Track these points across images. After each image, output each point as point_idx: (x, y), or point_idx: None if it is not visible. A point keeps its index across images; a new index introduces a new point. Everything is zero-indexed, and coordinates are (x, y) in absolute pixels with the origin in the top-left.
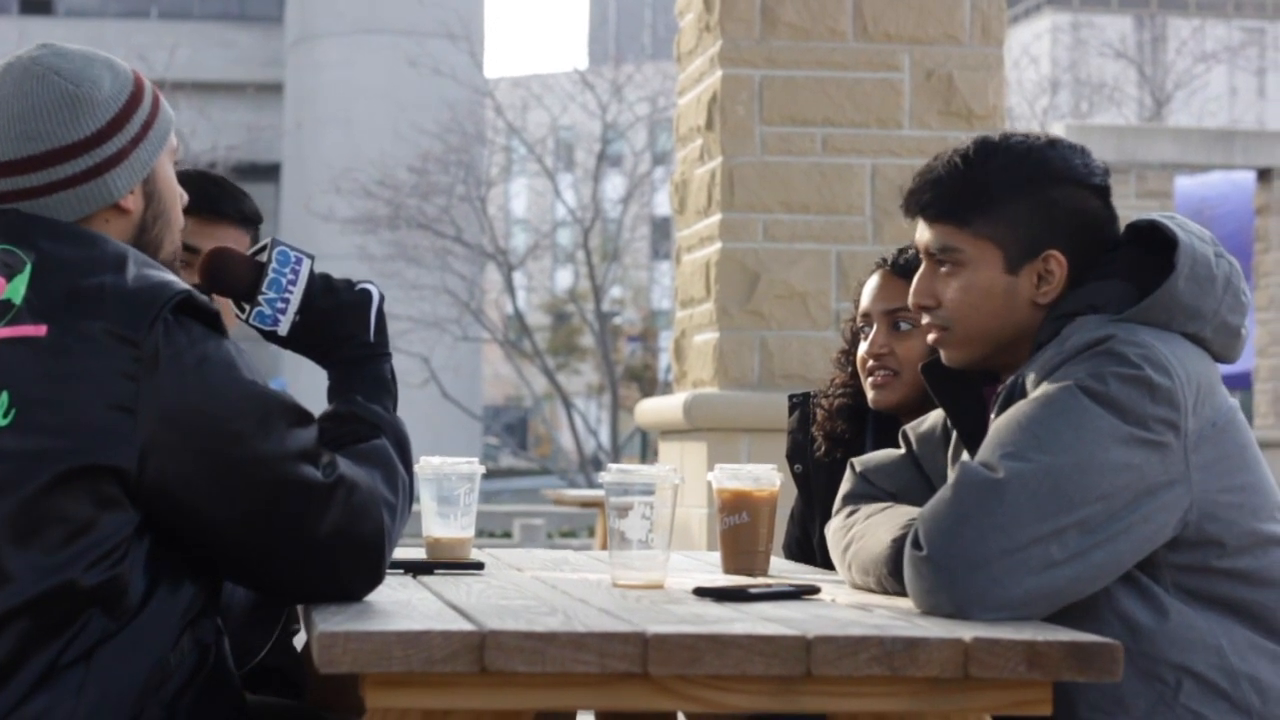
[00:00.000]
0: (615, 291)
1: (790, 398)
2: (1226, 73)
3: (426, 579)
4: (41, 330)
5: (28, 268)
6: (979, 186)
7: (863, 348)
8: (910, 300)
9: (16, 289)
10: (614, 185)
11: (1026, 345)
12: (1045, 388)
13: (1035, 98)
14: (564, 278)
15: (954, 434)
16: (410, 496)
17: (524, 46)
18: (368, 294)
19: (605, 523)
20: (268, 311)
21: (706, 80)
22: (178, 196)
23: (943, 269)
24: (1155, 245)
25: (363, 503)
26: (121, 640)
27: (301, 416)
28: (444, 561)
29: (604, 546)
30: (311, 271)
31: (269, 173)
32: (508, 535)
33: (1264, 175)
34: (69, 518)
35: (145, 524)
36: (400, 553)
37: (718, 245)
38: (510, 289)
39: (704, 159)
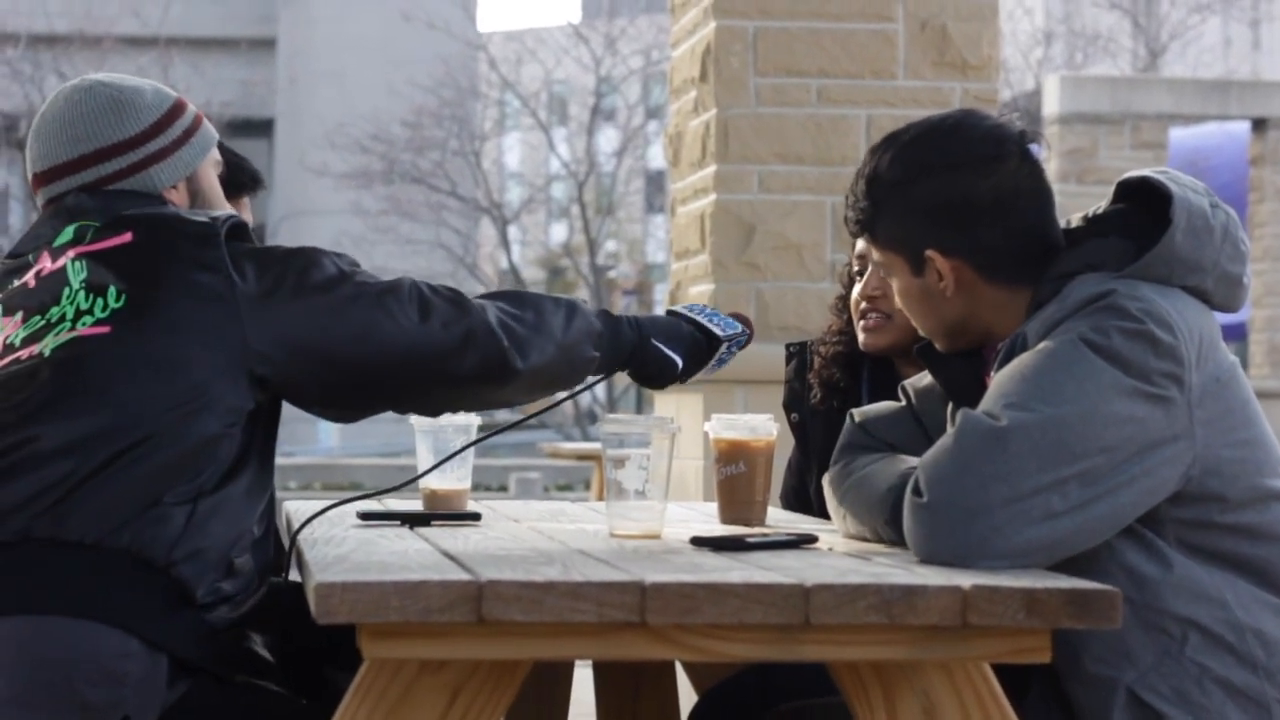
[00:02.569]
0: (610, 245)
1: (787, 347)
2: (1221, 24)
3: (424, 530)
4: (127, 237)
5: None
6: (864, 199)
7: (856, 290)
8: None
9: (87, 225)
10: (607, 139)
11: (984, 323)
12: (1048, 342)
13: (1029, 49)
14: (558, 232)
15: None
16: (555, 314)
17: (519, 1)
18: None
19: (602, 475)
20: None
21: (700, 32)
22: (224, 202)
23: (889, 277)
24: (1149, 201)
25: (450, 298)
26: (219, 498)
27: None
28: (441, 513)
29: (600, 499)
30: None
31: (263, 128)
32: (504, 489)
33: (1259, 125)
34: (193, 374)
35: (257, 404)
36: (396, 504)
37: (712, 197)
38: (505, 243)
39: (698, 111)
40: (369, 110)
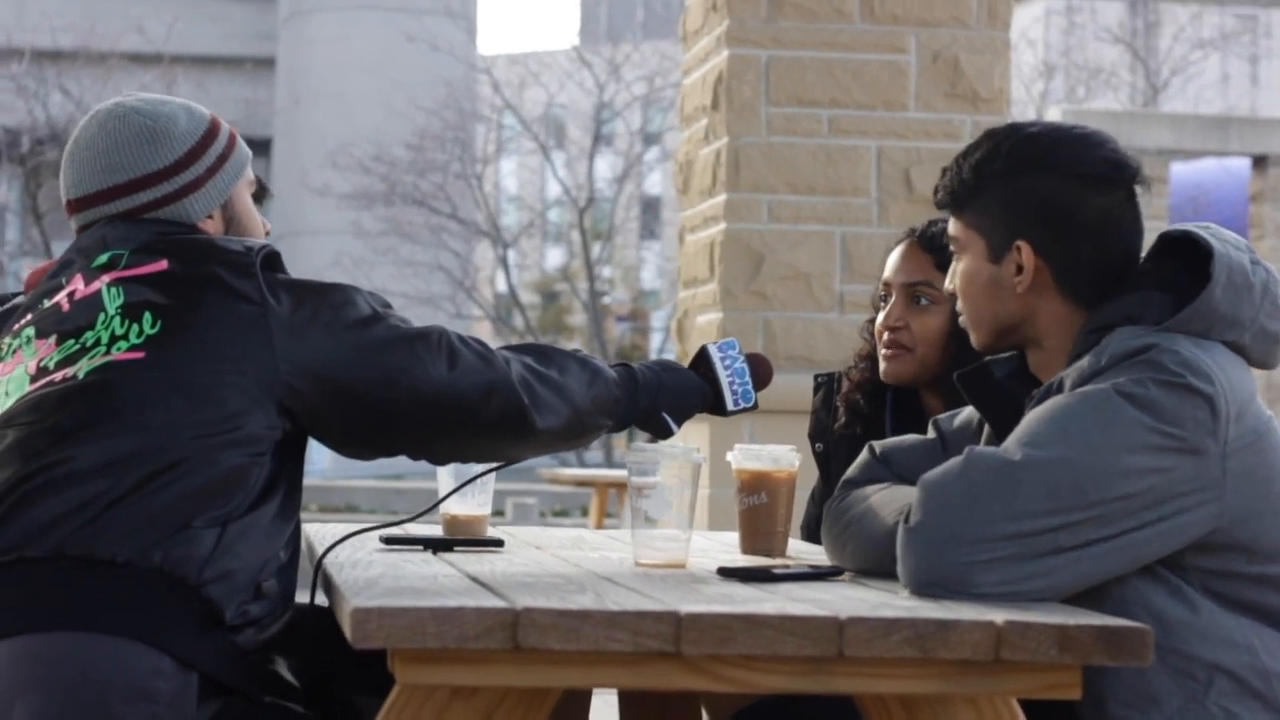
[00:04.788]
0: (604, 271)
1: (815, 377)
2: (1220, 59)
3: (447, 555)
4: (163, 264)
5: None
6: (968, 175)
7: (880, 317)
8: (946, 287)
9: (121, 251)
10: (604, 165)
11: (1035, 331)
12: (1082, 389)
13: (1031, 82)
14: (553, 256)
15: (987, 429)
16: (579, 377)
17: (518, 23)
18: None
19: (600, 502)
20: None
21: (712, 60)
22: (259, 224)
23: (953, 256)
24: (1190, 255)
25: (478, 351)
26: (247, 522)
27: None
28: (464, 539)
29: (599, 526)
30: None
31: (264, 148)
32: (500, 514)
33: (1259, 162)
34: (225, 402)
35: (285, 433)
36: (417, 528)
37: (722, 225)
38: (505, 267)
39: (709, 139)
40: (371, 131)
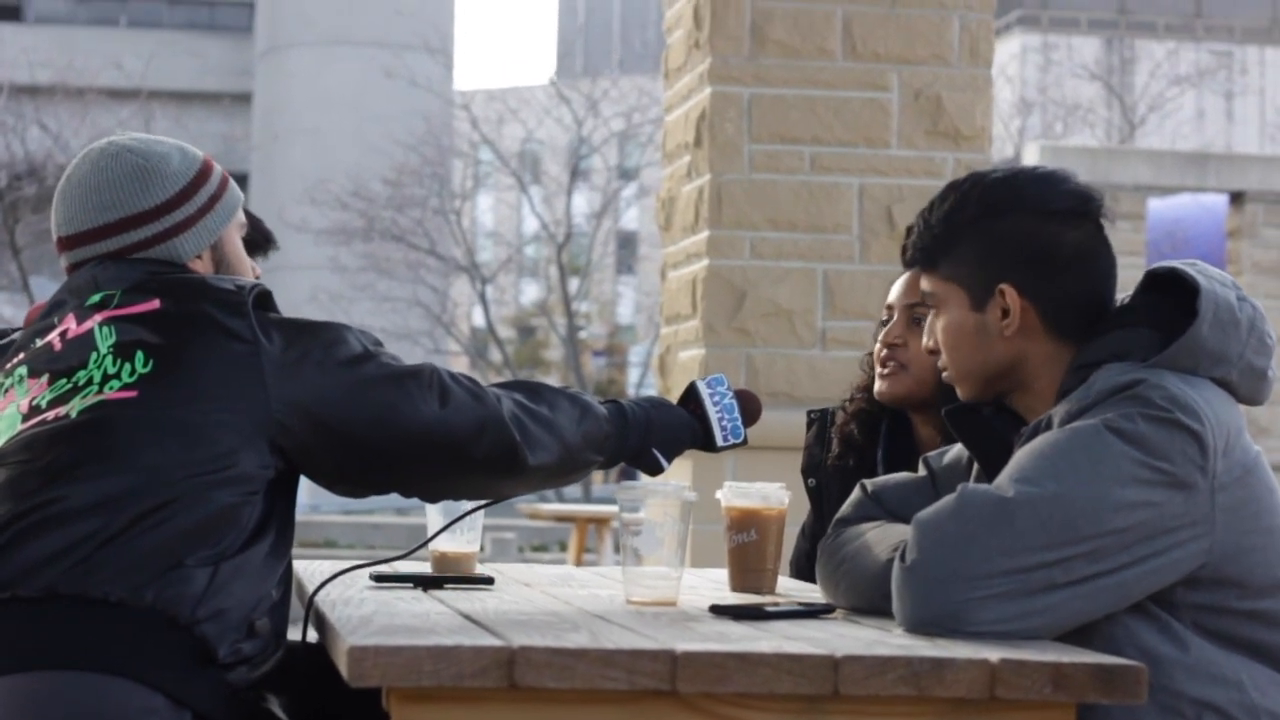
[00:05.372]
0: (581, 306)
1: (809, 413)
2: (1195, 96)
3: (438, 593)
4: (155, 304)
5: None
6: (938, 231)
7: (880, 337)
8: (924, 345)
9: (113, 292)
10: (581, 200)
11: (1024, 375)
12: (1071, 425)
13: (1009, 118)
14: (528, 291)
15: (976, 465)
16: (569, 414)
17: (495, 59)
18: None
19: (580, 538)
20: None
21: (695, 97)
22: (249, 267)
23: (931, 312)
24: (1176, 292)
25: (469, 388)
26: (240, 561)
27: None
28: (453, 576)
29: (578, 561)
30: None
31: (241, 183)
32: (479, 549)
33: (1236, 198)
34: (217, 441)
35: (278, 472)
36: (407, 567)
37: (705, 262)
38: (484, 302)
39: (691, 176)
40: (349, 166)
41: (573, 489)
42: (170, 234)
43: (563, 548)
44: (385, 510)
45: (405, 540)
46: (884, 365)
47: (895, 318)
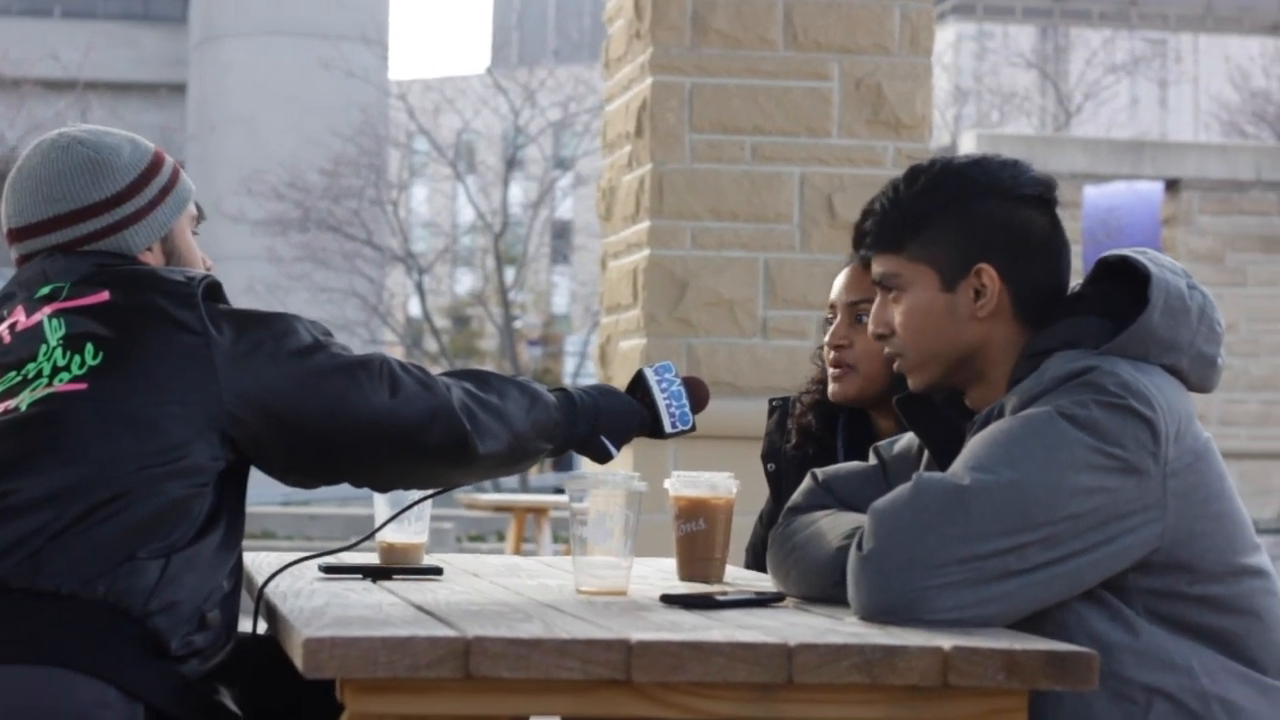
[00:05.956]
0: (515, 295)
1: (770, 401)
2: (1129, 84)
3: (387, 584)
4: (104, 295)
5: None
6: (907, 212)
7: (826, 338)
8: (869, 331)
9: (62, 284)
10: (517, 190)
11: (983, 362)
12: (1024, 412)
13: (945, 107)
14: (463, 281)
15: (927, 453)
16: (518, 402)
17: (431, 49)
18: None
19: (519, 528)
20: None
21: (636, 87)
22: (199, 258)
23: (890, 296)
24: (1127, 280)
25: (419, 378)
26: (191, 553)
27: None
28: (403, 567)
29: (516, 551)
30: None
31: None
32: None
33: (1172, 186)
34: (168, 433)
35: (229, 463)
36: (355, 557)
37: (646, 252)
38: (421, 293)
39: (632, 165)
40: (285, 157)
41: (510, 479)
42: (120, 226)
43: (500, 538)
44: (323, 501)
45: (343, 531)
46: (833, 366)
47: (839, 317)
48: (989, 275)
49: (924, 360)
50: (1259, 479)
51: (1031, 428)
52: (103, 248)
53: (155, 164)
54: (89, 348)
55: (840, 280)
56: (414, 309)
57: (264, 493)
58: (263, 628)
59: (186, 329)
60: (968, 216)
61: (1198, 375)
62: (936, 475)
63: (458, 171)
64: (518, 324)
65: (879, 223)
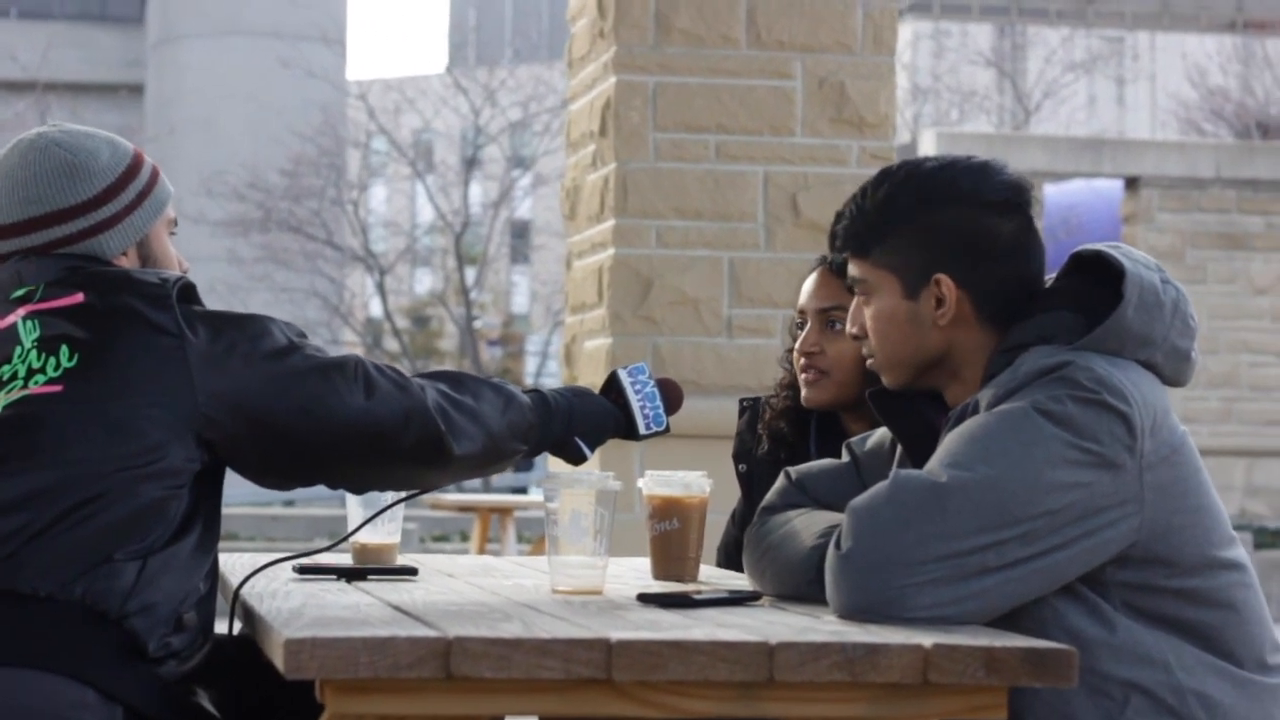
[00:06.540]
0: (475, 295)
1: (741, 401)
2: (1087, 82)
3: (362, 584)
4: (79, 297)
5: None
6: (871, 219)
7: (797, 344)
8: (847, 331)
9: (35, 286)
10: (477, 189)
11: (954, 364)
12: (1000, 407)
13: (904, 106)
14: (423, 281)
15: (900, 450)
16: (493, 403)
17: (389, 49)
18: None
19: (482, 527)
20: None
21: (600, 86)
22: (175, 262)
23: (861, 299)
24: (1101, 275)
25: (394, 379)
26: (168, 555)
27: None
28: (378, 567)
29: (481, 551)
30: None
31: None
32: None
33: (1131, 184)
34: (144, 434)
35: (204, 465)
36: (328, 558)
37: (610, 251)
38: (382, 293)
39: (596, 165)
40: (245, 157)
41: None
42: (96, 231)
43: (464, 538)
44: (286, 502)
45: (306, 532)
46: (805, 372)
47: (809, 324)
48: (947, 285)
49: (892, 364)
50: (1220, 475)
51: (1008, 424)
52: (78, 251)
53: (133, 167)
54: (64, 350)
55: (809, 286)
56: (375, 309)
57: (228, 494)
58: (238, 629)
59: (161, 331)
60: (927, 225)
61: (1172, 369)
62: (914, 473)
63: (417, 171)
64: (478, 324)
65: (846, 228)
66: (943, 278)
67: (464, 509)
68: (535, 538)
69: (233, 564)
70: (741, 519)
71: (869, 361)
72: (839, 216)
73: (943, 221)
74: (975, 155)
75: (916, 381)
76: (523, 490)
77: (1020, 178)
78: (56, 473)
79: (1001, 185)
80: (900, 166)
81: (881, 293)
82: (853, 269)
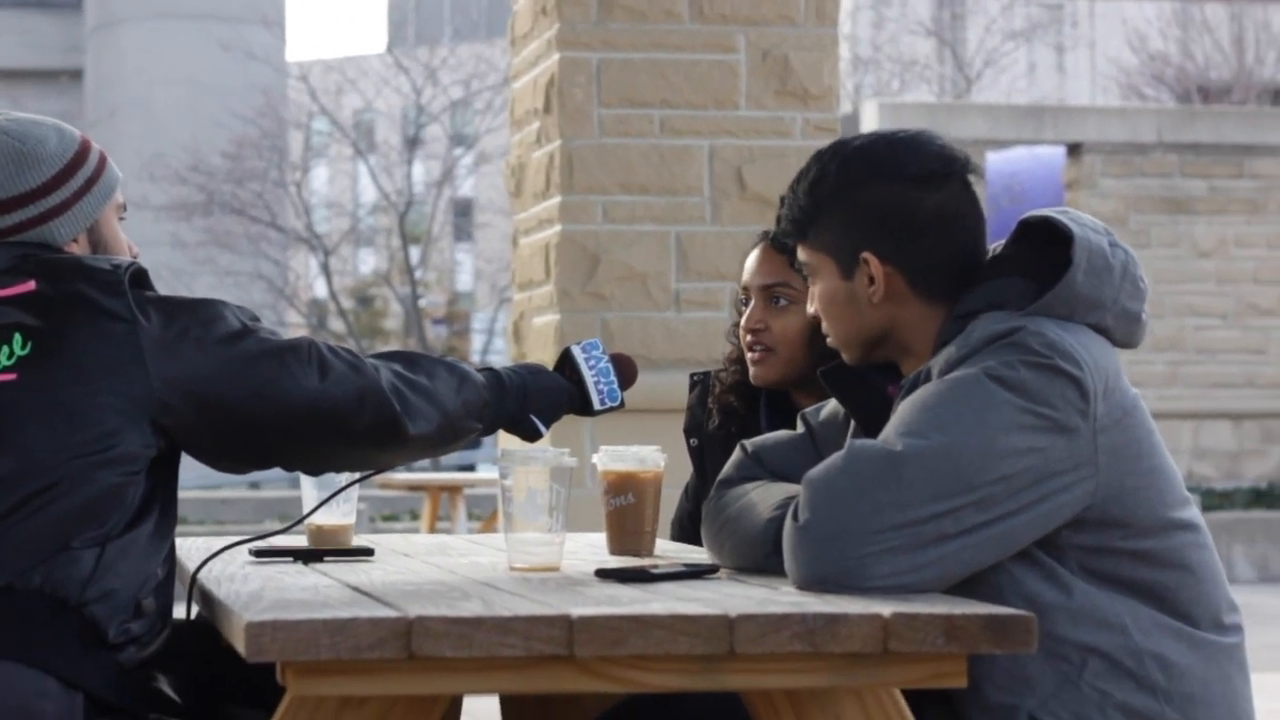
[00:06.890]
0: (420, 274)
1: (691, 375)
2: (1027, 50)
3: (320, 565)
4: (30, 285)
5: None
6: (804, 200)
7: (742, 321)
8: (808, 311)
9: None
10: (419, 169)
11: (902, 339)
12: (952, 375)
13: (845, 77)
14: (366, 261)
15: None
16: (447, 382)
17: (329, 29)
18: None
19: (433, 507)
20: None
21: (543, 63)
22: (125, 247)
23: (808, 281)
24: (1050, 240)
25: (348, 360)
26: (125, 541)
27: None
28: (334, 549)
29: (431, 530)
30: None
31: None
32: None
33: (1074, 150)
34: (100, 421)
35: (160, 451)
36: (284, 541)
37: (557, 228)
38: (327, 274)
39: (541, 142)
40: (186, 140)
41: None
42: (45, 218)
43: (414, 516)
44: (235, 485)
45: (255, 514)
46: (751, 350)
47: (753, 301)
48: (873, 263)
49: (843, 344)
50: (1168, 439)
51: (960, 390)
52: (28, 238)
53: (81, 154)
54: (17, 338)
55: (751, 263)
56: (320, 290)
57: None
58: (195, 613)
59: (114, 317)
60: (851, 204)
61: (1123, 332)
62: (869, 442)
63: (359, 151)
64: (423, 303)
65: (786, 214)
66: (869, 256)
67: (414, 488)
68: (486, 515)
69: (188, 548)
70: (694, 493)
71: (829, 340)
72: (781, 201)
73: (865, 199)
74: (914, 128)
75: (870, 358)
76: (471, 468)
77: (949, 148)
78: (12, 461)
79: (927, 157)
80: (829, 148)
81: (822, 274)
82: (799, 253)
